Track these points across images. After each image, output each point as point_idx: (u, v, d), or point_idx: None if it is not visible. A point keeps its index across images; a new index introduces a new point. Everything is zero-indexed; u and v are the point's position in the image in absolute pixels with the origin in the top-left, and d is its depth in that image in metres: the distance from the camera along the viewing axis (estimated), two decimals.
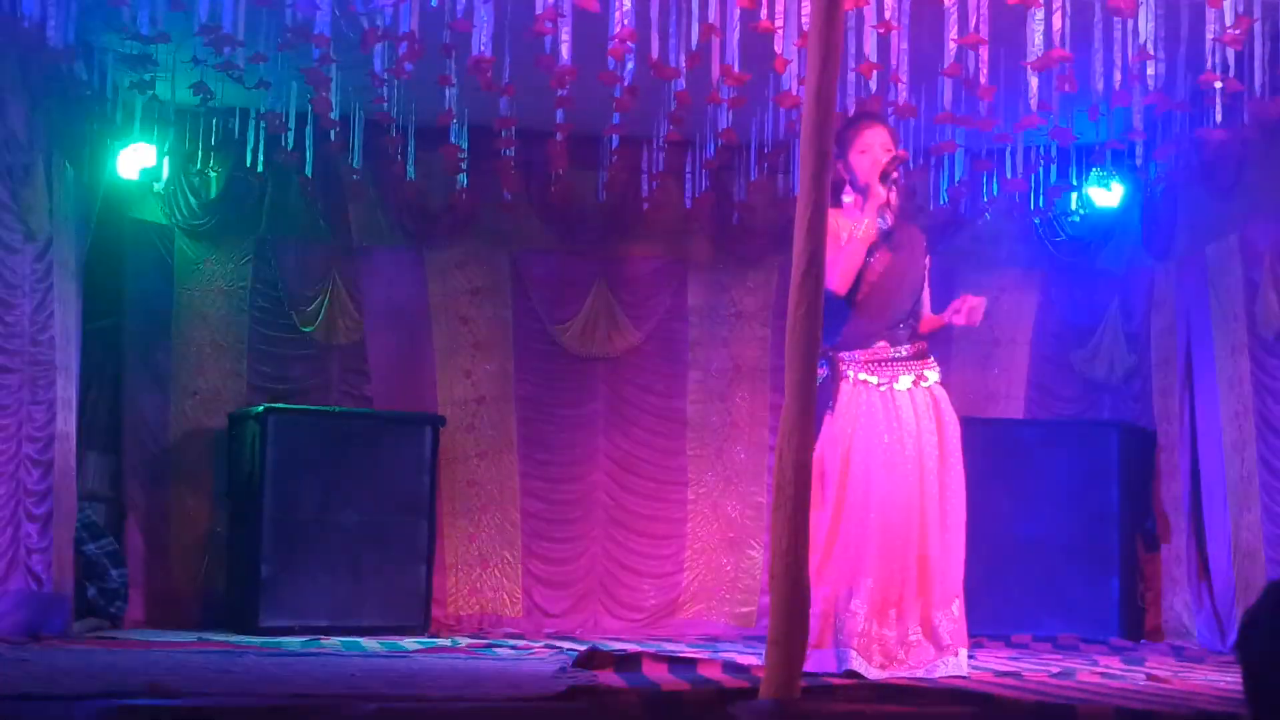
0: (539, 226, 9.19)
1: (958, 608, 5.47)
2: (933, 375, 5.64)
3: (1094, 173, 8.74)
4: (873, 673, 5.21)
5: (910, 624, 5.38)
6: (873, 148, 5.58)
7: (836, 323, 5.47)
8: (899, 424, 5.51)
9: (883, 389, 5.54)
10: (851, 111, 6.74)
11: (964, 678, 5.41)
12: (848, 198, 5.64)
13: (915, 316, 5.74)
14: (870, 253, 5.59)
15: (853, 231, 5.53)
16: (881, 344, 5.58)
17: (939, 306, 5.90)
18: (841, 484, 5.37)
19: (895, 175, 5.57)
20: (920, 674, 5.26)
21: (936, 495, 5.50)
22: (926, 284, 5.82)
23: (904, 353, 5.60)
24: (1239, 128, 6.86)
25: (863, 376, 5.56)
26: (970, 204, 8.77)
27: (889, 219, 5.66)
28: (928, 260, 5.82)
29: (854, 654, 5.24)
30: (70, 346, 7.52)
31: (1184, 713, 3.93)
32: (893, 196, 5.62)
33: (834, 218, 5.60)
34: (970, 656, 5.68)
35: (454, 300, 9.16)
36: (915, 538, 5.43)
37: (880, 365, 5.58)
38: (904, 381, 5.57)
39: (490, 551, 9.06)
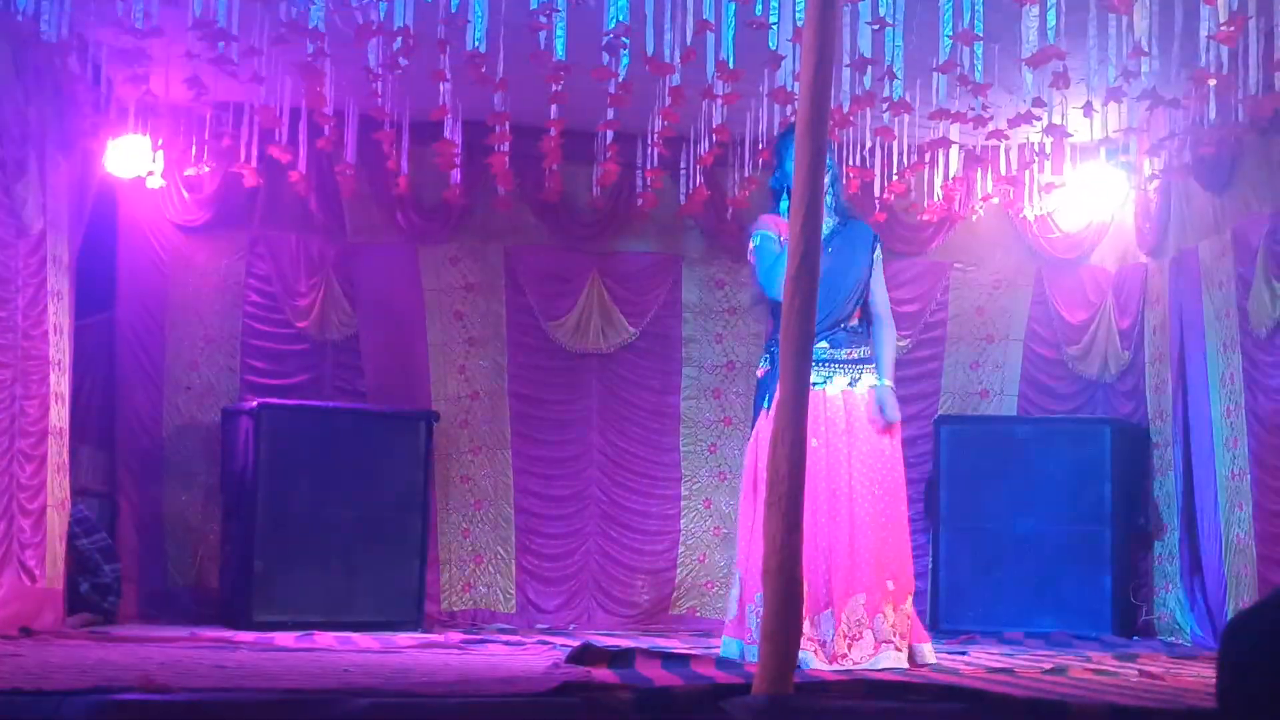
0: (533, 222, 9.19)
1: (910, 604, 5.59)
2: (869, 379, 5.75)
3: (1087, 169, 8.74)
4: (819, 668, 5.33)
5: (850, 620, 5.49)
6: None
7: (779, 320, 5.55)
8: (828, 427, 5.61)
9: (816, 389, 5.61)
10: (846, 108, 6.76)
11: (929, 667, 5.54)
12: (785, 204, 5.71)
13: (856, 317, 5.81)
14: None
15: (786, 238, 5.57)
16: (821, 344, 5.64)
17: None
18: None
19: (824, 179, 5.64)
20: (864, 667, 5.39)
21: (872, 494, 5.61)
22: (877, 282, 5.87)
23: (842, 355, 5.72)
24: (1232, 125, 6.87)
25: None
26: (964, 201, 8.78)
27: (829, 221, 5.73)
28: (876, 256, 5.89)
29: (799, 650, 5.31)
30: (63, 341, 7.52)
31: (1176, 709, 3.94)
32: (832, 197, 5.72)
33: (769, 224, 5.71)
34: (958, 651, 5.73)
35: (448, 296, 9.16)
36: (845, 538, 5.55)
37: (817, 365, 5.64)
38: (838, 383, 5.69)
39: (484, 547, 9.07)
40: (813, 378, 5.58)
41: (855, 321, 5.82)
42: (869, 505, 5.62)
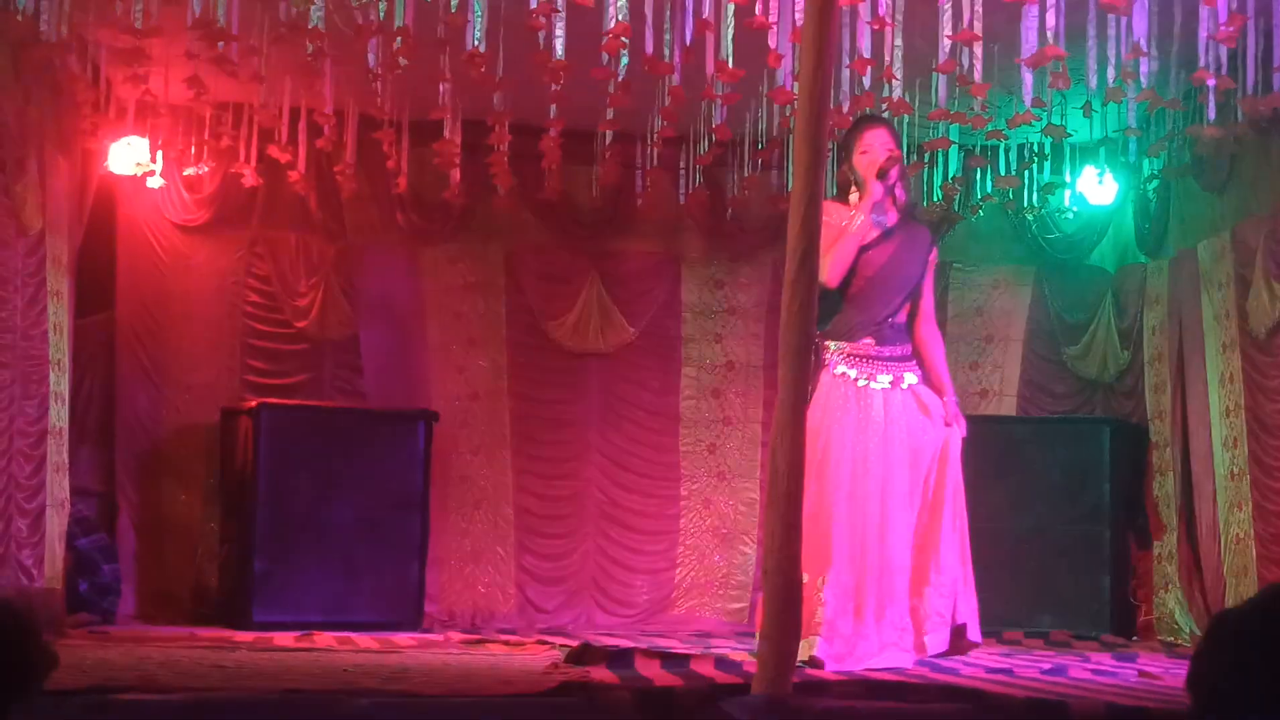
0: (533, 222, 9.18)
1: (946, 606, 5.58)
2: (911, 377, 5.75)
3: (1087, 170, 8.74)
4: (830, 664, 5.33)
5: (871, 620, 5.49)
6: (873, 147, 5.73)
7: (828, 311, 5.59)
8: (869, 422, 5.62)
9: (860, 384, 5.64)
10: (846, 108, 6.76)
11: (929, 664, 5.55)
12: (853, 196, 5.77)
13: (904, 314, 5.83)
14: (865, 249, 5.68)
15: (847, 226, 5.64)
16: (868, 340, 5.69)
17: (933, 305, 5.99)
18: (812, 475, 5.44)
19: (892, 172, 5.69)
20: (867, 664, 5.39)
21: (905, 494, 5.61)
22: (928, 285, 5.90)
23: (888, 352, 5.72)
24: (1231, 125, 6.87)
25: (844, 370, 5.67)
26: (964, 201, 8.78)
27: (891, 216, 5.75)
28: (931, 259, 5.92)
29: (819, 640, 5.30)
30: (62, 341, 7.52)
31: (1175, 709, 3.94)
32: (897, 192, 5.73)
33: (832, 211, 5.70)
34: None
35: (447, 296, 9.15)
36: (878, 537, 5.54)
37: (862, 361, 5.69)
38: (882, 381, 5.70)
39: (483, 547, 9.06)
40: (857, 372, 5.66)
41: (903, 319, 5.84)
42: (902, 506, 5.63)
